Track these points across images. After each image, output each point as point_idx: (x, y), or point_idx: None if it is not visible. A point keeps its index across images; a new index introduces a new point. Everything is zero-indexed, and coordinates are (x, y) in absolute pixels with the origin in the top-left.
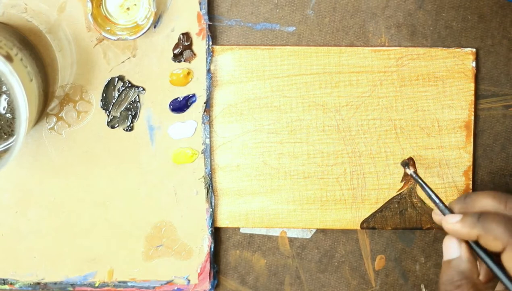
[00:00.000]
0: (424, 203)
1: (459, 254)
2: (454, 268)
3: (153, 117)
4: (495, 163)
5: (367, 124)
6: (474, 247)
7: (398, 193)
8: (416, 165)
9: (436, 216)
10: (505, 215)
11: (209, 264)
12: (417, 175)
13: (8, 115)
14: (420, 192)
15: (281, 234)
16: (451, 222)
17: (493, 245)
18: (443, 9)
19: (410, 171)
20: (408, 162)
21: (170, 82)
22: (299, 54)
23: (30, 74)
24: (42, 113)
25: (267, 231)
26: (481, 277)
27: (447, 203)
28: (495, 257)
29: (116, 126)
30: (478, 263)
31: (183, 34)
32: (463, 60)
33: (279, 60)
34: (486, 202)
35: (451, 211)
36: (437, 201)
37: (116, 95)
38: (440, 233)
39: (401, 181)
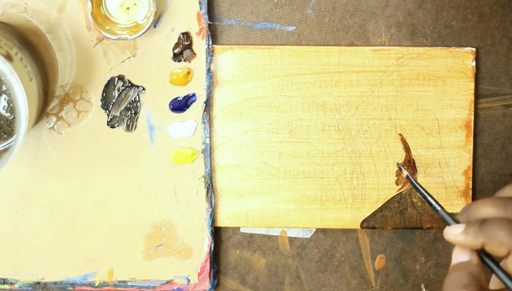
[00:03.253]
0: (424, 203)
1: (469, 258)
2: (463, 269)
3: (153, 117)
4: (495, 162)
5: (367, 123)
6: (483, 256)
7: (398, 192)
8: (416, 164)
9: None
10: (507, 218)
11: (209, 263)
12: (417, 181)
13: (8, 115)
14: None
15: (281, 234)
16: (454, 234)
17: (499, 250)
18: (443, 9)
19: (406, 173)
20: (402, 167)
21: (170, 81)
22: (299, 54)
23: (30, 73)
24: (42, 113)
25: (267, 230)
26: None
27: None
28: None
29: (116, 126)
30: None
31: (183, 33)
32: (463, 59)
33: (279, 59)
34: (487, 209)
35: (457, 221)
36: (444, 213)
37: (116, 94)
38: (440, 232)
39: (396, 184)
